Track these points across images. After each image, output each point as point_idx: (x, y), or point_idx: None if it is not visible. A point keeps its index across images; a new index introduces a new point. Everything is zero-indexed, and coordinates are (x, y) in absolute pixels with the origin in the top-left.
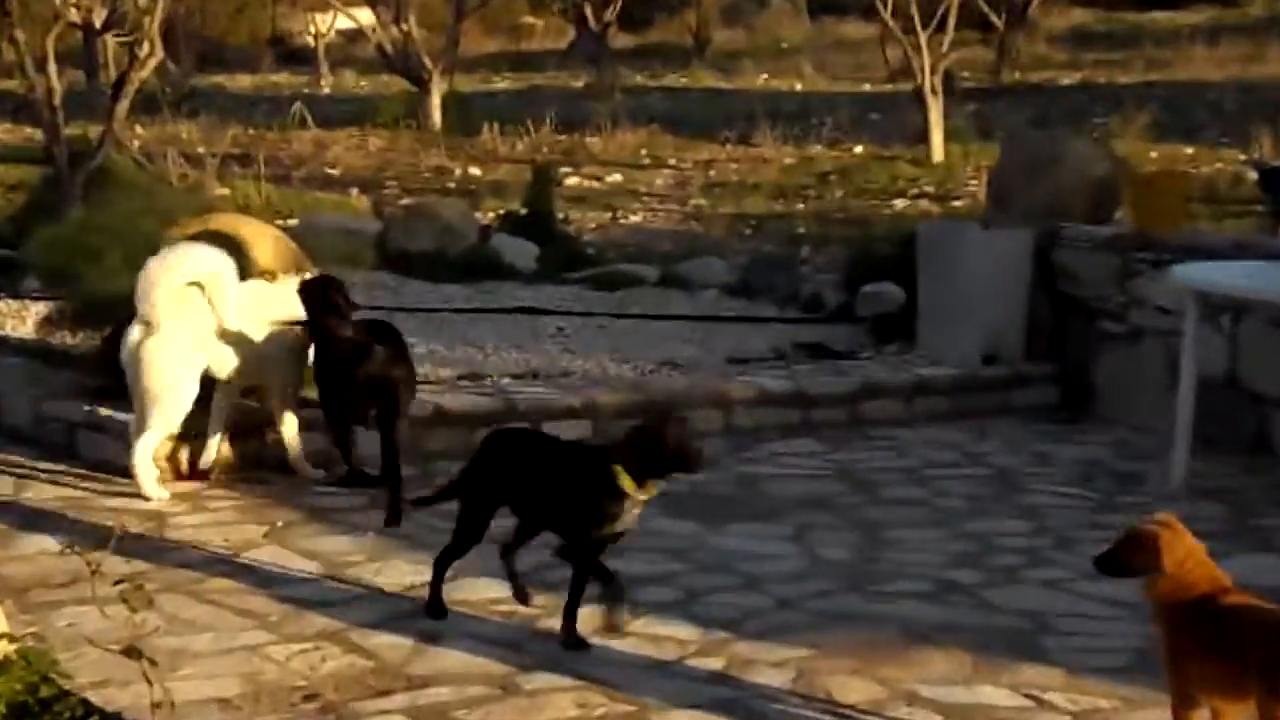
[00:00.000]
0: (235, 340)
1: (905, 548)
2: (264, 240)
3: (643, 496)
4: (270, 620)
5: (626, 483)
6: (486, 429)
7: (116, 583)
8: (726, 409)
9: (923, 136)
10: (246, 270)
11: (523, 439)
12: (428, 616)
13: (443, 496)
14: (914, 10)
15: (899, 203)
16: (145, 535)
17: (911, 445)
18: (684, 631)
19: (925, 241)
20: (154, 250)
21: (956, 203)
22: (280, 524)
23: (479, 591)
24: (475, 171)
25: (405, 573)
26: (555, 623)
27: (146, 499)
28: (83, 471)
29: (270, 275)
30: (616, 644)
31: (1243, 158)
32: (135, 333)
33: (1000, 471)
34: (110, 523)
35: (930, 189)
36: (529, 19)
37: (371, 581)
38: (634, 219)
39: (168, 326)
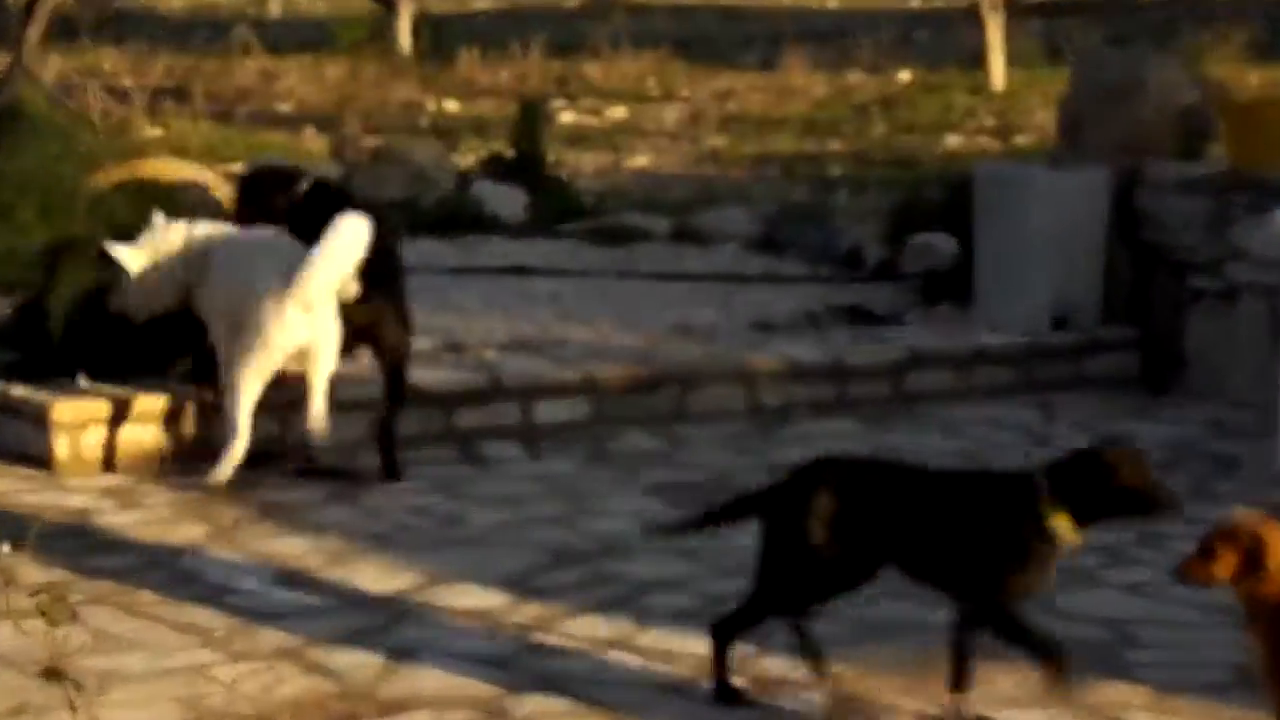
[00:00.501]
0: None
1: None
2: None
3: (1077, 543)
4: (215, 636)
5: (1063, 526)
6: (470, 409)
7: (34, 593)
8: (749, 384)
9: (980, 60)
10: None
11: (873, 471)
12: (717, 700)
13: (715, 519)
14: None
15: (952, 139)
16: (68, 536)
17: (967, 425)
18: (700, 646)
19: (983, 184)
20: (70, 201)
21: (1020, 138)
22: (227, 522)
23: (459, 597)
24: (452, 106)
25: (374, 577)
26: (547, 636)
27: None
28: None
29: None
30: (623, 662)
31: None
32: (292, 311)
33: None
34: (26, 522)
35: (989, 122)
36: None
37: (335, 588)
38: (640, 161)
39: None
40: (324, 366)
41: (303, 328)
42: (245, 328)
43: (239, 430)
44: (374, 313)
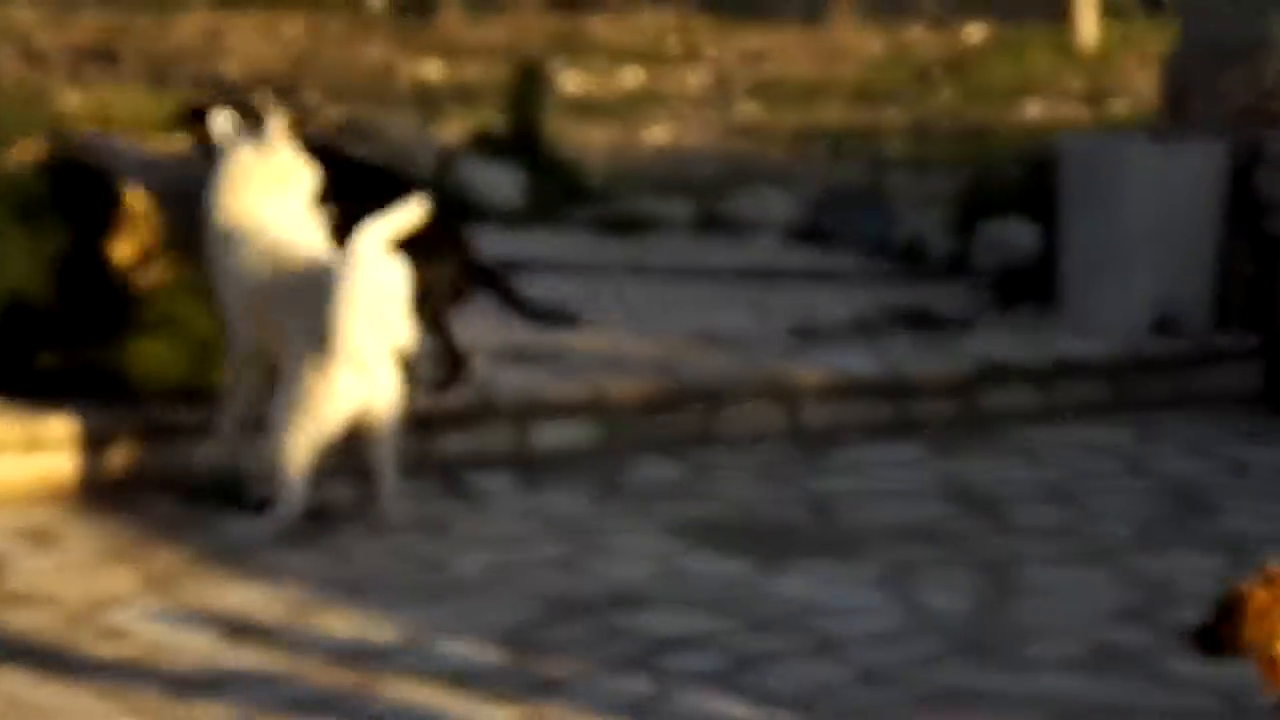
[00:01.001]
0: None
1: (1046, 595)
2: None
3: None
4: (146, 708)
5: None
6: (455, 432)
7: None
8: (790, 401)
9: (1065, 14)
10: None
11: None
12: None
13: None
14: None
15: (1033, 107)
16: None
17: (1052, 450)
18: (733, 712)
19: (1071, 162)
20: None
21: (1115, 106)
22: (162, 568)
23: (443, 656)
24: (433, 71)
25: (342, 633)
26: (548, 703)
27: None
28: None
29: None
30: None
31: None
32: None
33: (1179, 485)
34: None
35: (1077, 87)
36: None
37: (294, 647)
38: (658, 135)
39: None
40: (386, 431)
41: (357, 390)
42: (288, 380)
43: (290, 496)
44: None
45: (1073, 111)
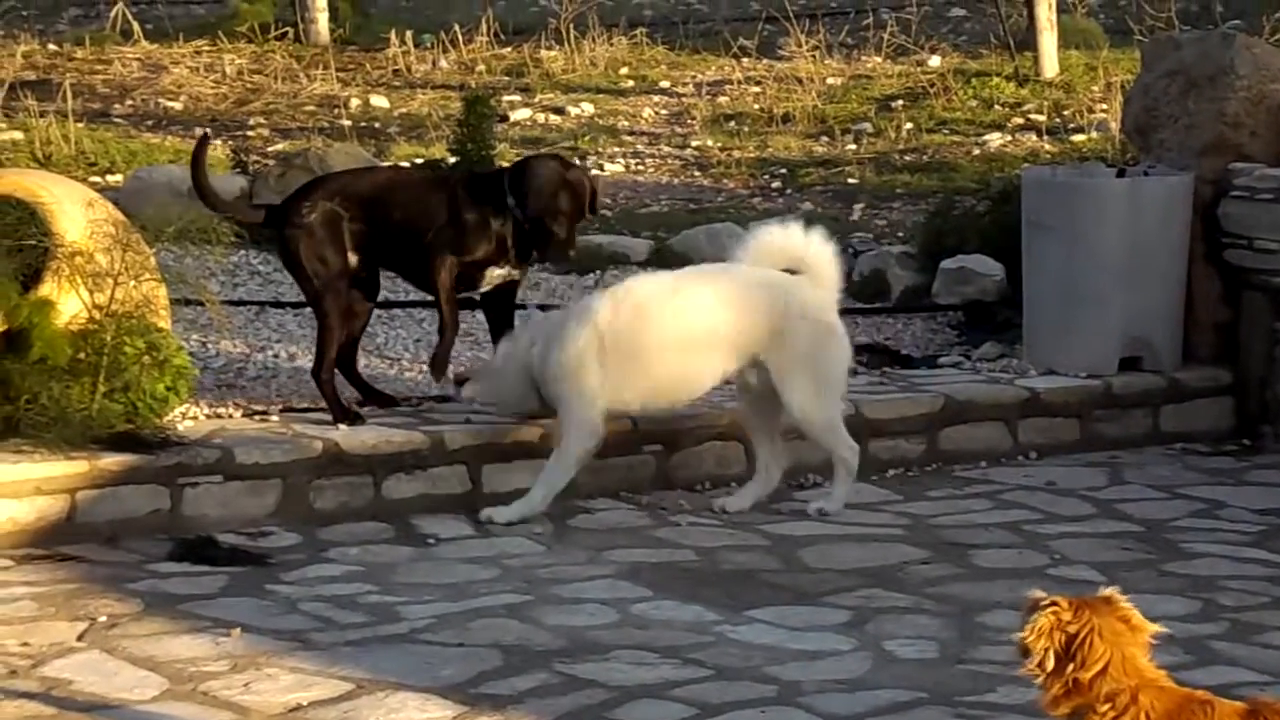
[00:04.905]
0: None
1: (1012, 641)
2: (72, 206)
3: None
4: None
5: None
6: (404, 476)
7: None
8: (748, 442)
9: (1028, 41)
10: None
11: None
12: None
13: None
14: None
15: (994, 138)
16: None
17: (1017, 490)
18: None
19: (1034, 193)
20: None
21: (1078, 136)
22: (103, 618)
23: (393, 710)
24: (380, 102)
25: (287, 686)
26: None
27: None
28: None
29: None
30: None
31: None
32: None
33: (1148, 527)
34: None
35: (1040, 117)
36: None
37: (236, 703)
38: (612, 168)
39: None
40: None
41: None
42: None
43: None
44: None
45: (1036, 142)
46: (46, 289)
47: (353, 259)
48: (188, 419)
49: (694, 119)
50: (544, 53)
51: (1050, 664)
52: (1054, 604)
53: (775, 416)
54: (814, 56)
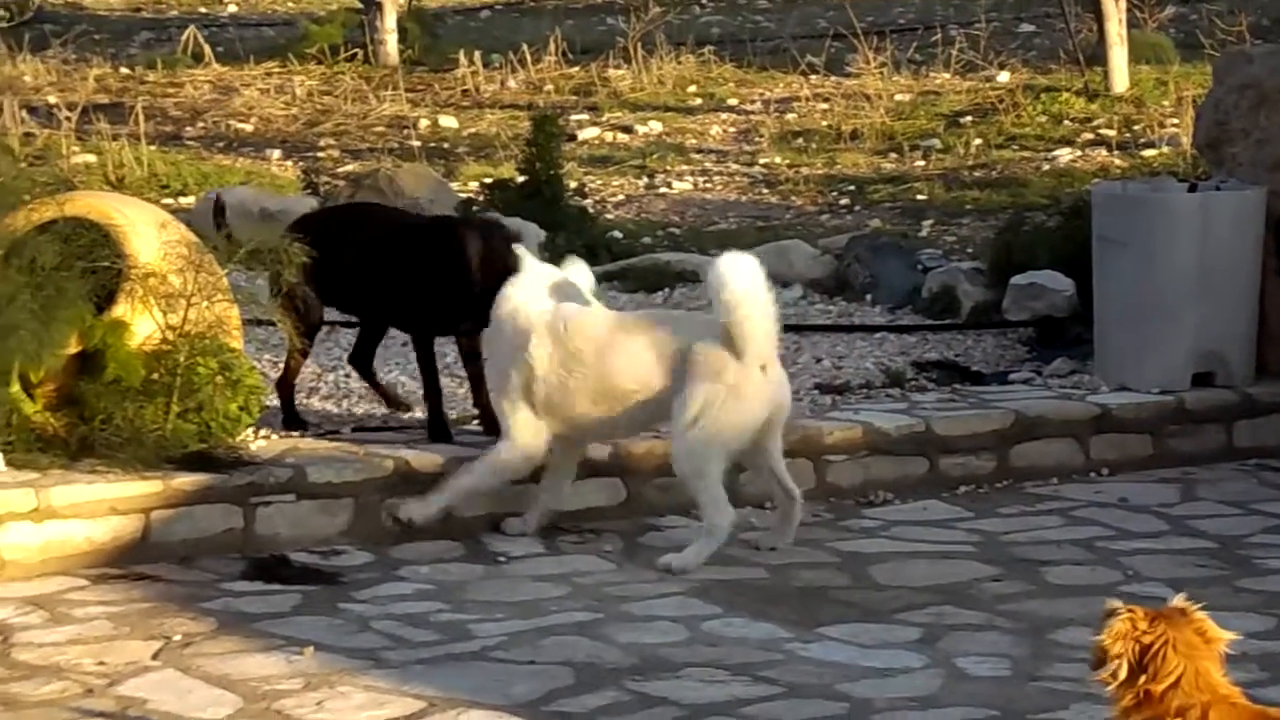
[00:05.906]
0: None
1: (1085, 659)
2: (146, 228)
3: None
4: None
5: None
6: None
7: None
8: (818, 459)
9: (1098, 56)
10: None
11: None
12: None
13: None
14: None
15: (1064, 153)
16: None
17: (1089, 507)
18: None
19: (1105, 209)
20: None
21: (1149, 151)
22: (178, 637)
23: None
24: (449, 123)
25: (360, 704)
26: None
27: None
28: None
29: None
30: None
31: None
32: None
33: (1221, 543)
34: None
35: (1110, 132)
36: None
37: (311, 719)
38: (680, 186)
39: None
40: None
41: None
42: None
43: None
44: None
45: (1106, 157)
46: (120, 310)
47: None
48: (260, 438)
49: (762, 136)
50: (612, 72)
51: (1123, 674)
52: (1130, 613)
53: (759, 456)
54: (882, 73)
